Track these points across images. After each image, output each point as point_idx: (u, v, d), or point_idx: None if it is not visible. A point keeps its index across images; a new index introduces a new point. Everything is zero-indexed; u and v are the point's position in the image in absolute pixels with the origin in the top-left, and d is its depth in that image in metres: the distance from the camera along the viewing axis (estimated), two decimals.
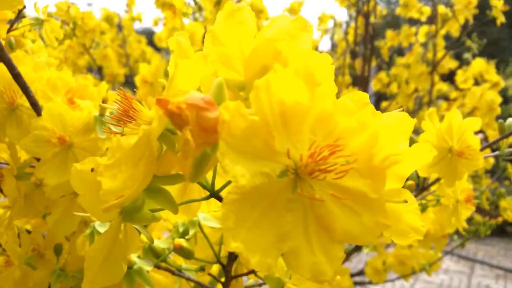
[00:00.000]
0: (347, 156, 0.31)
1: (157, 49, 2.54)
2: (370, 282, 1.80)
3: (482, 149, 0.83)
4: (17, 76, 0.66)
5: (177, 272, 0.64)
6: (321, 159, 0.31)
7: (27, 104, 0.71)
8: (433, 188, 0.97)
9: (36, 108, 0.70)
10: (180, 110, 0.28)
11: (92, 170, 0.38)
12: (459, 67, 2.41)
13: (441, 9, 2.08)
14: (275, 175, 0.31)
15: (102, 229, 0.58)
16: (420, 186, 0.97)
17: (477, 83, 2.18)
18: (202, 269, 0.63)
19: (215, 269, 0.71)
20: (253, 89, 0.29)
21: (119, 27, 2.45)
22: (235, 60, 0.38)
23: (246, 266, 0.31)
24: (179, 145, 0.34)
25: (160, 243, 0.62)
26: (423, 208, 0.99)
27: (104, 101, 0.75)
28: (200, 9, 1.13)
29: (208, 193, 0.42)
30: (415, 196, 0.98)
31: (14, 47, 0.93)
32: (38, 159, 0.73)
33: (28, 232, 0.88)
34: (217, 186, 0.41)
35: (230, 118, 0.29)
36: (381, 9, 2.64)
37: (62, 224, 0.73)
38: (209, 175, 0.42)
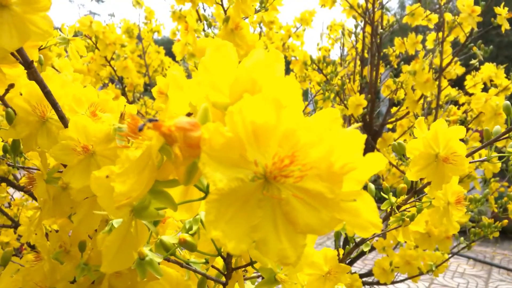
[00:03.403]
0: (304, 165, 0.40)
1: (176, 57, 2.66)
2: (385, 283, 1.84)
3: (467, 155, 0.89)
4: (47, 94, 0.75)
5: (185, 265, 0.73)
6: (283, 167, 0.40)
7: (55, 117, 0.79)
8: (426, 190, 1.03)
9: (64, 120, 0.79)
10: (170, 132, 0.37)
11: (107, 176, 0.47)
12: (468, 72, 2.43)
13: (448, 16, 2.12)
14: (247, 180, 0.40)
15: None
16: (413, 189, 1.03)
17: (486, 87, 2.21)
18: (206, 261, 0.72)
19: (220, 263, 0.79)
20: (227, 113, 0.38)
21: (139, 38, 2.56)
22: (221, 85, 0.47)
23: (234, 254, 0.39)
24: (172, 156, 0.42)
25: (170, 239, 0.71)
26: (418, 210, 1.06)
27: (122, 114, 0.84)
28: (210, 25, 1.22)
29: (204, 194, 0.51)
30: (409, 198, 1.05)
31: (43, 63, 1.03)
32: (64, 165, 0.81)
33: (56, 231, 0.97)
34: (211, 189, 0.50)
35: (209, 136, 0.37)
36: (389, 18, 2.69)
37: (85, 222, 0.81)
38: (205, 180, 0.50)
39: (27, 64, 0.74)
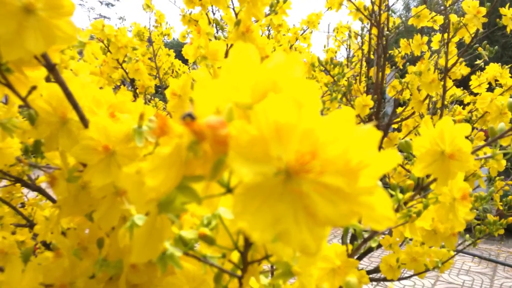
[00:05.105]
0: (324, 160, 0.42)
1: (185, 60, 2.70)
2: (391, 280, 1.87)
3: (473, 153, 0.92)
4: (69, 96, 0.78)
5: (202, 259, 0.76)
6: (305, 162, 0.43)
7: (76, 118, 0.82)
8: (432, 187, 1.06)
9: (84, 121, 0.81)
10: (200, 130, 0.40)
11: (137, 172, 0.50)
12: (473, 72, 2.45)
13: (453, 17, 2.14)
14: (271, 175, 0.43)
15: (140, 222, 0.69)
16: (419, 185, 1.06)
17: (491, 87, 2.23)
18: (223, 255, 0.75)
19: (236, 257, 0.82)
20: (252, 112, 0.41)
21: (149, 41, 2.59)
22: (243, 86, 0.50)
23: (251, 238, 0.42)
24: (200, 153, 0.45)
25: (188, 234, 0.74)
26: (425, 206, 1.08)
27: (141, 115, 0.86)
28: (222, 29, 1.25)
29: (224, 190, 0.54)
30: (415, 195, 1.08)
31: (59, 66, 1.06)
32: (84, 165, 0.83)
33: (74, 229, 1.00)
34: (232, 184, 0.53)
35: (236, 134, 0.40)
36: (394, 19, 2.71)
37: (105, 219, 0.83)
38: (226, 176, 0.53)
39: (51, 67, 0.77)
